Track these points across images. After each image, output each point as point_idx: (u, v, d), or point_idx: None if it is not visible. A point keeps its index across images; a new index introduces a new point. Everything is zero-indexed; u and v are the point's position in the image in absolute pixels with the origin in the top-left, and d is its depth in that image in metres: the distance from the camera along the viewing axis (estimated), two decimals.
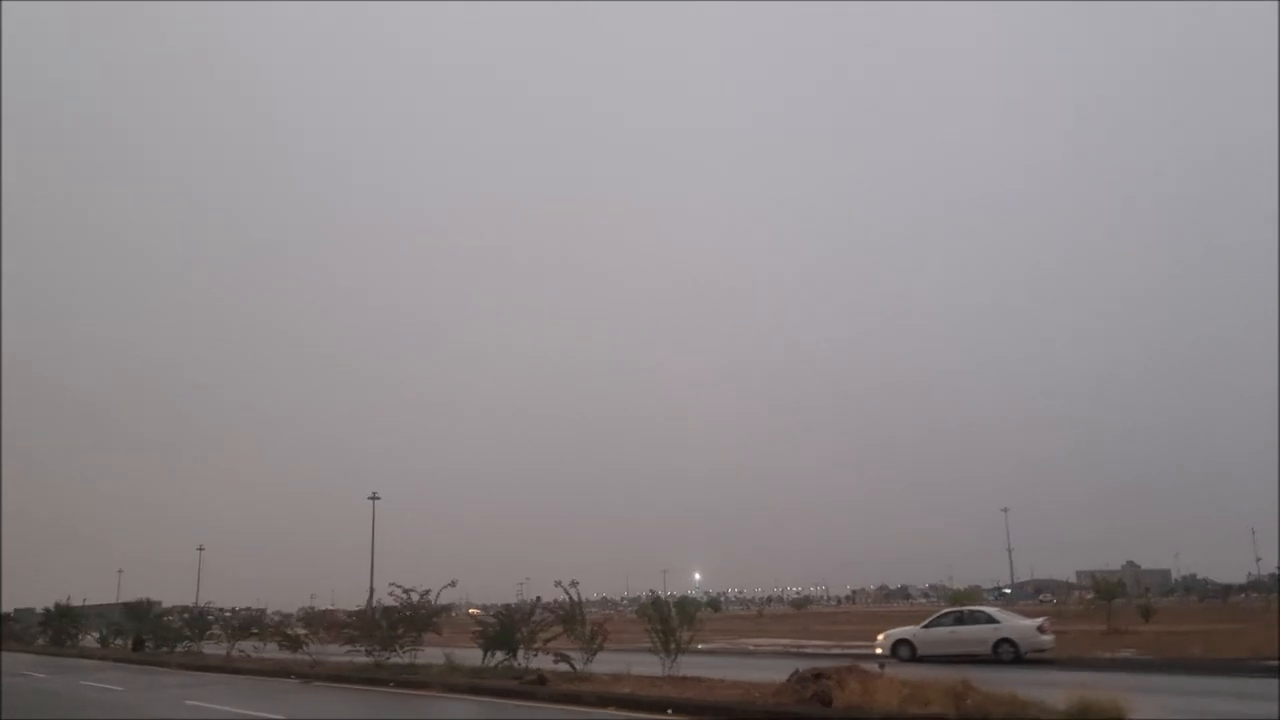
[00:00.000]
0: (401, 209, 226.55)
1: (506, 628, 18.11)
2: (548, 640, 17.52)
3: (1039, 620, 22.41)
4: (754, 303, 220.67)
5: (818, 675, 12.22)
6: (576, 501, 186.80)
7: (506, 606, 19.90)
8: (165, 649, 32.01)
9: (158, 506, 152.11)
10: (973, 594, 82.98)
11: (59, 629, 44.49)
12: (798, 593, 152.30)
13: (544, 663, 17.08)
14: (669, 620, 15.73)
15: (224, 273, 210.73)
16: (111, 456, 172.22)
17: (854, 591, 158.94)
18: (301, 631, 25.25)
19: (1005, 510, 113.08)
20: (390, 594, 21.21)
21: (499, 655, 18.13)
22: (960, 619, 23.73)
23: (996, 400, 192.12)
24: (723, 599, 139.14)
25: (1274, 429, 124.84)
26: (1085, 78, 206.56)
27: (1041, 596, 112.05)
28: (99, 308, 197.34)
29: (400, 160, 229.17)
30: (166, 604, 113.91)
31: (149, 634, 34.32)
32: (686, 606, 65.83)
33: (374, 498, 72.14)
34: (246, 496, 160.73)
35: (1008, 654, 21.30)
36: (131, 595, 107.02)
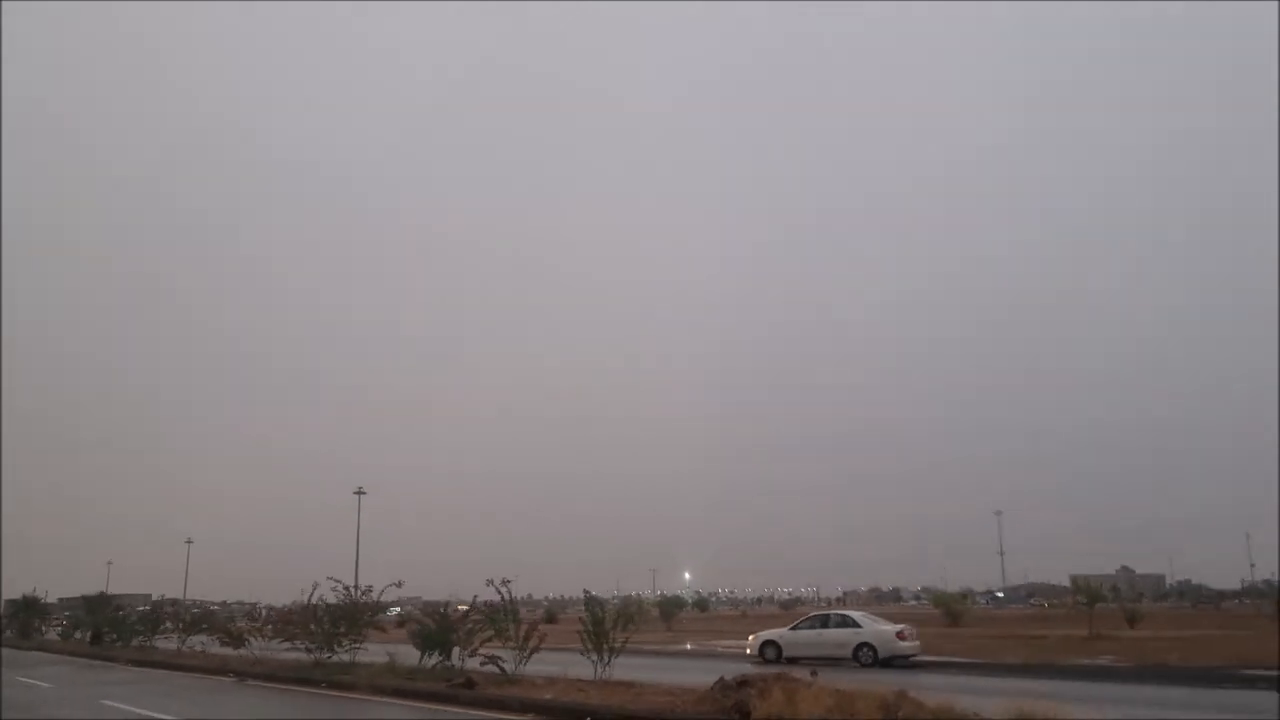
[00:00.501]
0: (387, 215, 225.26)
1: (442, 628, 17.31)
2: (484, 641, 16.70)
3: (899, 627, 22.97)
4: (753, 304, 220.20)
5: (741, 683, 11.44)
6: (573, 501, 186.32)
7: (443, 608, 19.00)
8: (121, 643, 31.29)
9: (159, 501, 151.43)
10: (962, 597, 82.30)
11: (25, 622, 43.67)
12: (788, 594, 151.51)
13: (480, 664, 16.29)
14: (601, 622, 14.86)
15: (221, 279, 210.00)
16: (111, 452, 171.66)
17: (845, 593, 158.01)
18: (243, 627, 24.48)
19: (999, 513, 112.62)
20: (332, 590, 20.40)
21: (437, 656, 17.39)
22: (826, 623, 24.45)
23: (996, 406, 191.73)
24: (713, 599, 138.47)
25: (1273, 435, 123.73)
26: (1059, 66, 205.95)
27: (1032, 600, 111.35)
28: (90, 318, 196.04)
29: (388, 170, 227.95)
30: (156, 597, 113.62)
31: (107, 628, 33.58)
32: (670, 606, 65.19)
33: (359, 492, 71.70)
34: (245, 493, 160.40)
35: (867, 657, 21.94)
36: (122, 588, 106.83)
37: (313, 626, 20.48)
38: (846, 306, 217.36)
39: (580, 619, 16.55)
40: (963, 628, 47.19)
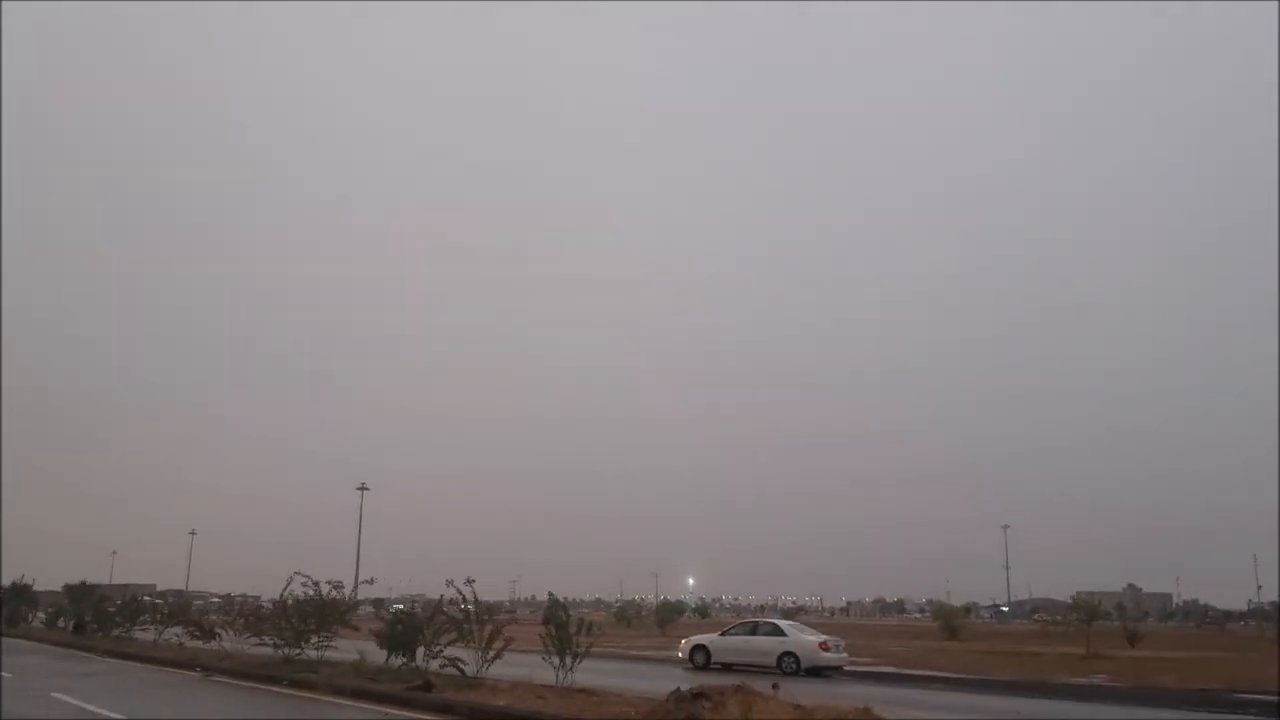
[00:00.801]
0: (387, 214, 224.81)
1: (409, 629, 16.82)
2: (450, 642, 16.22)
3: (822, 638, 23.51)
4: (755, 305, 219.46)
5: (697, 694, 10.87)
6: (577, 502, 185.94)
7: (409, 607, 18.50)
8: (101, 634, 31.01)
9: (168, 496, 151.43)
10: (965, 611, 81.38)
11: (13, 609, 43.43)
12: (793, 602, 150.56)
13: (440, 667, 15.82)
14: (564, 626, 14.35)
15: (225, 285, 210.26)
16: (119, 449, 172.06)
17: (849, 603, 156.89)
18: (215, 621, 24.11)
19: (1005, 527, 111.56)
20: (302, 586, 19.91)
21: (402, 657, 16.93)
22: (754, 630, 24.87)
23: (1005, 413, 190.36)
24: (716, 605, 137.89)
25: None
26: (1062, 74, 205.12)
27: (1036, 615, 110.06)
28: (88, 323, 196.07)
29: (384, 174, 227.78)
30: (161, 587, 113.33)
31: (90, 617, 33.33)
32: (668, 611, 64.70)
33: (362, 488, 71.60)
34: (252, 490, 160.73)
35: (790, 666, 22.53)
36: (130, 578, 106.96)
37: (282, 623, 20.05)
38: (848, 307, 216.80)
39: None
40: (960, 642, 46.48)
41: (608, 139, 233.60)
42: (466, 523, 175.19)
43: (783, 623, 25.58)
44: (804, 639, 23.32)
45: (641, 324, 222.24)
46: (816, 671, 22.27)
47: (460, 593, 15.64)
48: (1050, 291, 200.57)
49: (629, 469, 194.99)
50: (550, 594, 15.58)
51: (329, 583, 19.63)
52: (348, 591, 20.16)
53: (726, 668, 22.91)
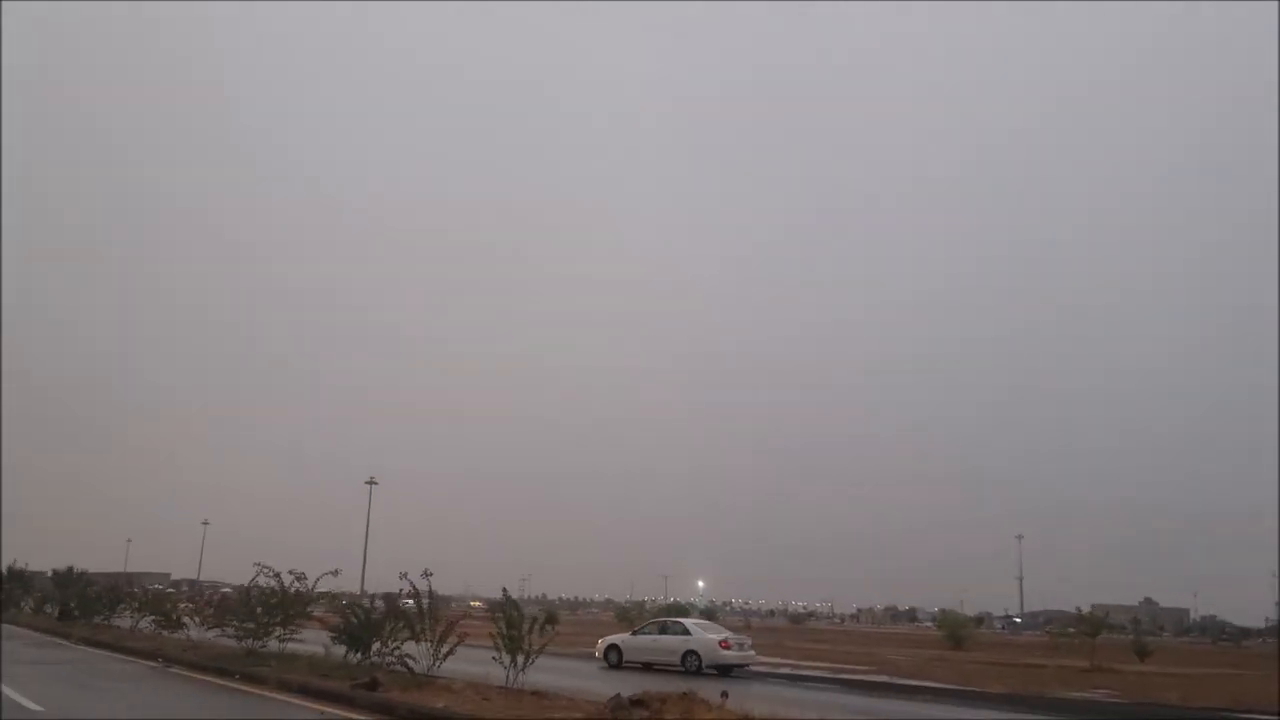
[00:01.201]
0: (386, 213, 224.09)
1: (364, 625, 16.17)
2: (407, 639, 15.57)
3: (723, 636, 24.00)
4: (761, 306, 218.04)
5: (635, 702, 10.20)
6: (586, 505, 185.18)
7: (364, 602, 17.88)
8: (83, 620, 30.79)
9: (187, 491, 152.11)
10: (976, 621, 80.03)
11: (7, 594, 43.40)
12: (803, 607, 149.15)
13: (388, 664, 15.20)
14: (517, 625, 13.64)
15: (226, 284, 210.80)
16: (135, 441, 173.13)
17: (859, 611, 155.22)
18: (183, 609, 23.69)
19: (1020, 537, 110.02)
20: (263, 577, 19.33)
21: (358, 653, 16.31)
22: (664, 629, 25.40)
23: (1018, 420, 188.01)
24: (725, 609, 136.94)
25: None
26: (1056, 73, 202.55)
27: (1048, 628, 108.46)
28: (89, 318, 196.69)
29: (388, 172, 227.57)
30: (176, 577, 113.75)
31: (75, 604, 33.16)
32: (668, 613, 64.32)
33: (371, 483, 71.31)
34: (269, 488, 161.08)
35: (693, 664, 23.02)
36: (146, 567, 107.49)
37: (244, 614, 19.53)
38: (848, 307, 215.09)
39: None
40: (963, 652, 45.39)
41: (608, 139, 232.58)
42: (475, 522, 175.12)
43: (689, 622, 26.37)
44: (706, 638, 23.74)
45: (641, 324, 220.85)
46: (721, 669, 22.80)
47: (413, 586, 14.96)
48: (1051, 292, 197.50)
49: (633, 470, 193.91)
50: (504, 590, 14.82)
51: (291, 573, 19.07)
52: (310, 583, 19.47)
53: (647, 667, 23.53)
